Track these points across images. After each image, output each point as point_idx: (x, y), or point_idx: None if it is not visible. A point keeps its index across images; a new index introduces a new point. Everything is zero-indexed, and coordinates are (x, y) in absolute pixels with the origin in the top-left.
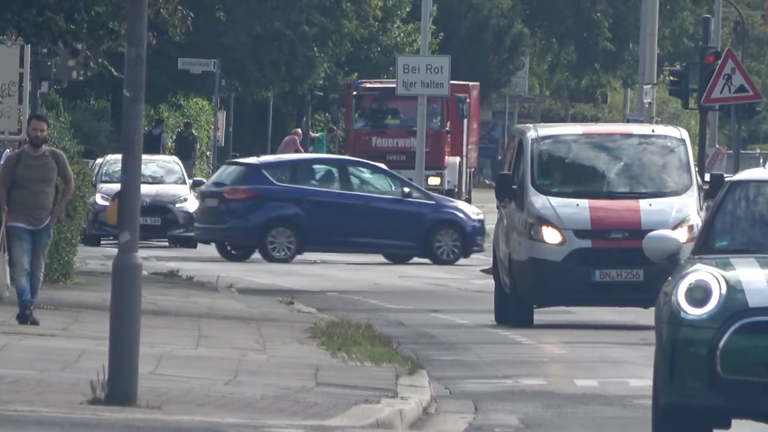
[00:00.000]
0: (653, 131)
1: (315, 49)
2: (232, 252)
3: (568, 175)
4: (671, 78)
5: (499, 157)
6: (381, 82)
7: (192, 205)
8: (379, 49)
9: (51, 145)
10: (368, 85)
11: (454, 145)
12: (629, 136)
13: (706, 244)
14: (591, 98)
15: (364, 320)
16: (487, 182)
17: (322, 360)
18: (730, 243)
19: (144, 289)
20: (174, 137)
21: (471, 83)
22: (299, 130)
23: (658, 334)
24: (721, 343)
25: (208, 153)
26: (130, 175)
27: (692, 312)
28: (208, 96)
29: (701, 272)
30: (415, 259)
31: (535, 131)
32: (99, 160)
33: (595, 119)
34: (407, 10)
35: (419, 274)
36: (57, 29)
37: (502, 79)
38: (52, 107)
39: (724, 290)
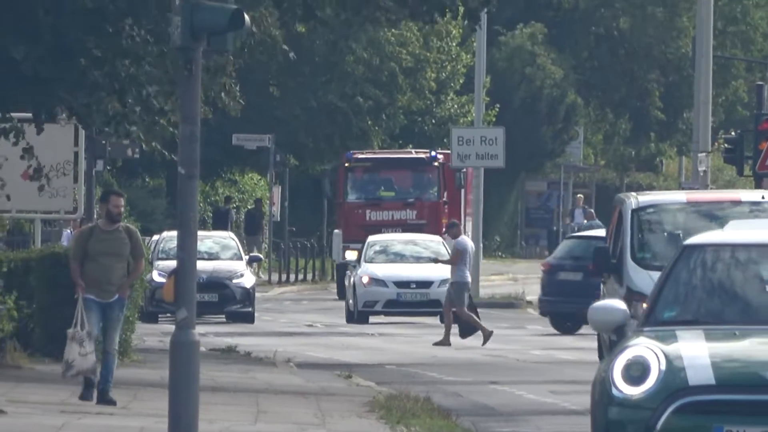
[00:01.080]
0: (764, 197)
1: (369, 121)
2: (567, 324)
3: (673, 247)
4: (726, 145)
5: (555, 228)
6: (374, 153)
7: (248, 280)
8: (433, 121)
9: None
10: (360, 156)
11: (451, 216)
12: (738, 203)
13: (653, 315)
14: (651, 167)
15: (423, 393)
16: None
17: None
18: (678, 313)
19: (202, 366)
20: (244, 214)
21: (446, 151)
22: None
23: (591, 416)
24: (659, 425)
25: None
26: (187, 252)
27: (627, 391)
28: (262, 171)
29: (640, 347)
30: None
31: (636, 199)
32: (155, 237)
33: (650, 188)
34: (461, 82)
35: (477, 345)
36: (108, 110)
37: (556, 149)
38: (108, 186)
39: (663, 366)
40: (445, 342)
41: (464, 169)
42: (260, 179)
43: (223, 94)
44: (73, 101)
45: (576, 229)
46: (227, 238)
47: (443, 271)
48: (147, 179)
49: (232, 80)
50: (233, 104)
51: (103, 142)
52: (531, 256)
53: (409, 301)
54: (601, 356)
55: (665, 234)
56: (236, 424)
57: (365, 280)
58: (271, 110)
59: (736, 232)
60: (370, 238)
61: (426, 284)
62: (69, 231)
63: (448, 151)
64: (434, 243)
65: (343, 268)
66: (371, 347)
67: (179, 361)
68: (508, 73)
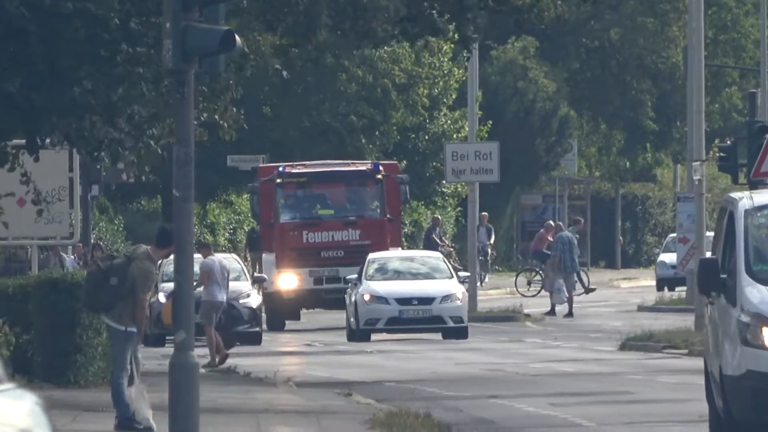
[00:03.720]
0: None
1: (363, 139)
2: None
3: None
4: (720, 154)
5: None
6: (305, 165)
7: (255, 300)
8: (426, 137)
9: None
10: (293, 171)
11: (394, 235)
12: None
13: None
14: (647, 177)
15: (423, 409)
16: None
17: None
18: None
19: (202, 387)
20: (247, 232)
21: (391, 162)
22: (551, 223)
23: None
24: None
25: None
26: (183, 274)
27: None
28: None
29: None
30: (469, 344)
31: (750, 200)
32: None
33: (646, 198)
34: (453, 97)
35: (476, 360)
36: (101, 135)
37: (550, 162)
38: (104, 210)
39: None
40: (212, 363)
41: (407, 180)
42: None
43: (220, 118)
44: (66, 127)
45: (480, 248)
46: (230, 258)
47: (445, 287)
48: (142, 203)
49: (231, 104)
50: (233, 127)
51: (98, 167)
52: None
53: (411, 318)
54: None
55: None
56: None
57: (367, 297)
58: (266, 131)
59: None
60: (370, 256)
61: (428, 300)
62: (73, 257)
63: (392, 161)
64: (433, 259)
65: (271, 297)
66: (370, 364)
67: (179, 383)
68: (501, 88)
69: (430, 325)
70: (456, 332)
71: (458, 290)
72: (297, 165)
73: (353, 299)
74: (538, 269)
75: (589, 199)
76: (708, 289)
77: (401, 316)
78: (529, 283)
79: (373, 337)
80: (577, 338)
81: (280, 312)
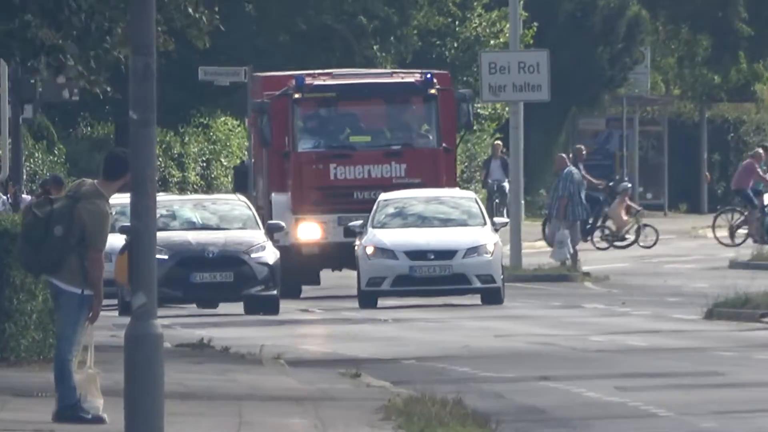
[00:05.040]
0: None
1: (375, 47)
2: None
3: None
4: None
5: (617, 177)
6: (331, 76)
7: (271, 254)
8: (455, 44)
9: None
10: (318, 83)
11: (449, 170)
12: None
13: None
14: (742, 95)
15: (452, 394)
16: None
17: None
18: None
19: (167, 366)
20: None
21: (442, 71)
22: (760, 151)
23: None
24: None
25: None
26: (143, 220)
27: None
28: (239, 113)
29: None
30: (512, 311)
31: None
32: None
33: (740, 122)
34: None
35: (521, 331)
36: (38, 38)
37: (616, 76)
38: (42, 137)
39: None
40: None
41: (468, 97)
42: (237, 125)
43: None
44: None
45: (495, 188)
46: (236, 200)
47: (472, 237)
48: (90, 128)
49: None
50: (206, 29)
51: (32, 81)
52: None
53: (425, 277)
54: None
55: None
56: None
57: (369, 250)
58: (248, 36)
59: None
60: (382, 197)
61: (448, 254)
62: (5, 197)
63: (443, 71)
64: (466, 200)
65: (284, 253)
66: (384, 337)
67: (137, 360)
68: None
69: (450, 285)
70: (485, 295)
71: (489, 240)
72: (319, 75)
73: (356, 253)
74: (741, 210)
75: (667, 123)
76: None
77: (412, 274)
78: (732, 231)
79: (386, 301)
80: (650, 303)
81: (295, 273)
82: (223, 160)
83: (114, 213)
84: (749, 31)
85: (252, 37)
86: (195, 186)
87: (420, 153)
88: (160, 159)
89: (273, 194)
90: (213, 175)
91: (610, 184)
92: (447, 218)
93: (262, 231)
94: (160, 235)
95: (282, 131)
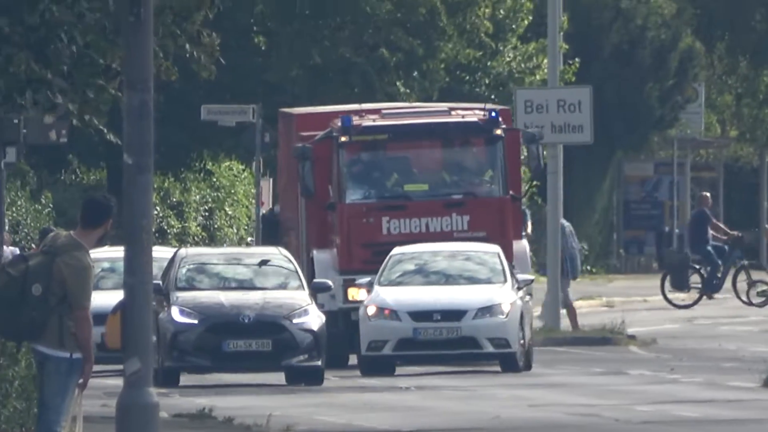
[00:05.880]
0: None
1: (398, 82)
2: None
3: None
4: None
5: (666, 229)
6: (381, 115)
7: (315, 320)
8: (487, 80)
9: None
10: (367, 124)
11: (516, 221)
12: None
13: None
14: None
15: None
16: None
17: None
18: None
19: None
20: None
21: (504, 107)
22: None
23: None
24: None
25: (249, 240)
26: (137, 276)
27: None
28: (245, 158)
29: None
30: (548, 378)
31: None
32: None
33: None
34: (526, 23)
35: (558, 400)
36: (24, 72)
37: (666, 116)
38: (24, 184)
39: None
40: None
41: (540, 138)
42: (243, 169)
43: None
44: None
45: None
46: (277, 254)
47: (485, 295)
48: (80, 173)
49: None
50: (211, 59)
51: (15, 121)
52: (632, 270)
53: (430, 341)
54: None
55: None
56: None
57: (371, 310)
58: (257, 71)
59: None
60: (395, 251)
61: (456, 314)
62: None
63: (506, 107)
64: (485, 254)
65: (331, 319)
66: (405, 407)
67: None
68: (595, 9)
69: (458, 350)
70: (502, 361)
71: (505, 300)
72: (366, 112)
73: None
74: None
75: (722, 168)
76: None
77: (416, 337)
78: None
79: (407, 368)
80: (703, 369)
81: (342, 339)
82: (227, 208)
83: (92, 265)
84: None
85: (260, 72)
86: (196, 238)
87: (484, 203)
88: (158, 207)
89: (315, 251)
90: (216, 226)
91: (740, 235)
92: (460, 275)
93: (307, 291)
94: (187, 295)
95: (324, 179)
